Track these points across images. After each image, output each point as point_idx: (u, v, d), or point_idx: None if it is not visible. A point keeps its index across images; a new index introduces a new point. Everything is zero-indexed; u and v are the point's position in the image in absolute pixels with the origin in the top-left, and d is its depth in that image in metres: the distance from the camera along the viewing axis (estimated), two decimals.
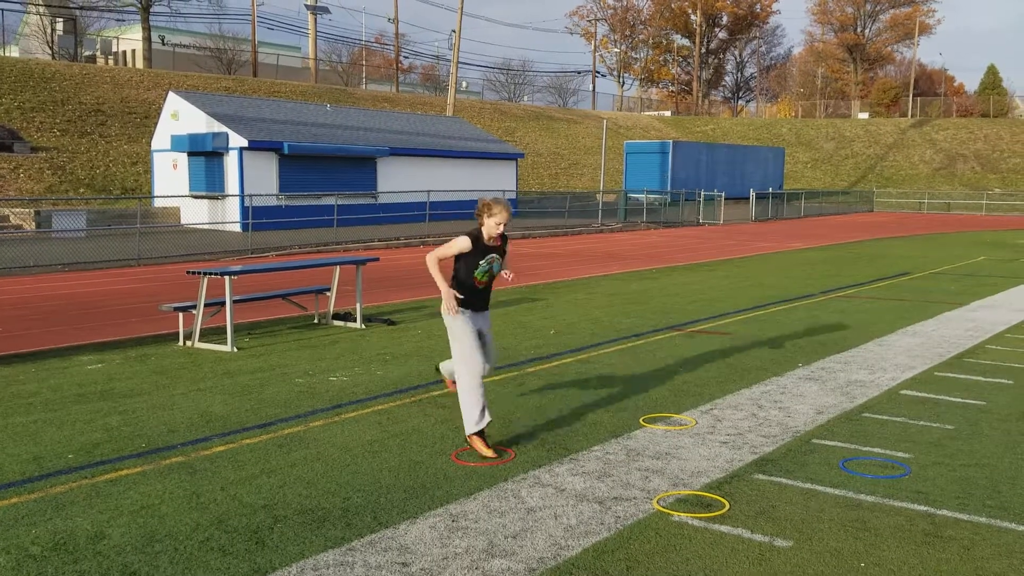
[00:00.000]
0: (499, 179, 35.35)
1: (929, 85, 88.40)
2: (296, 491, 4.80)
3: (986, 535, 4.28)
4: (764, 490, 4.89)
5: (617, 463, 5.33)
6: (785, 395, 7.09)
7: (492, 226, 5.54)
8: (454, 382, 5.93)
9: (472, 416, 5.46)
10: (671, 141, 46.59)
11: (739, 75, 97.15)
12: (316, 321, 10.52)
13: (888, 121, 70.78)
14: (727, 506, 4.62)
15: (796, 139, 67.26)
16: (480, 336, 5.69)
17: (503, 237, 5.69)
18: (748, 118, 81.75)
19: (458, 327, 5.57)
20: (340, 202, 25.22)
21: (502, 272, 5.76)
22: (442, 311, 5.64)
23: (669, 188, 42.35)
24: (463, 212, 30.70)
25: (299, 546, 4.08)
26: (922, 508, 4.63)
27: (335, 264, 10.75)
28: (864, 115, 75.46)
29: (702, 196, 37.62)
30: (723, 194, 37.68)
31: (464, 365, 5.51)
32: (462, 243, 5.55)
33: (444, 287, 5.55)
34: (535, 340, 9.53)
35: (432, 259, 5.58)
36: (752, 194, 39.99)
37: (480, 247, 5.57)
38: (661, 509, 4.57)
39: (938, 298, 13.28)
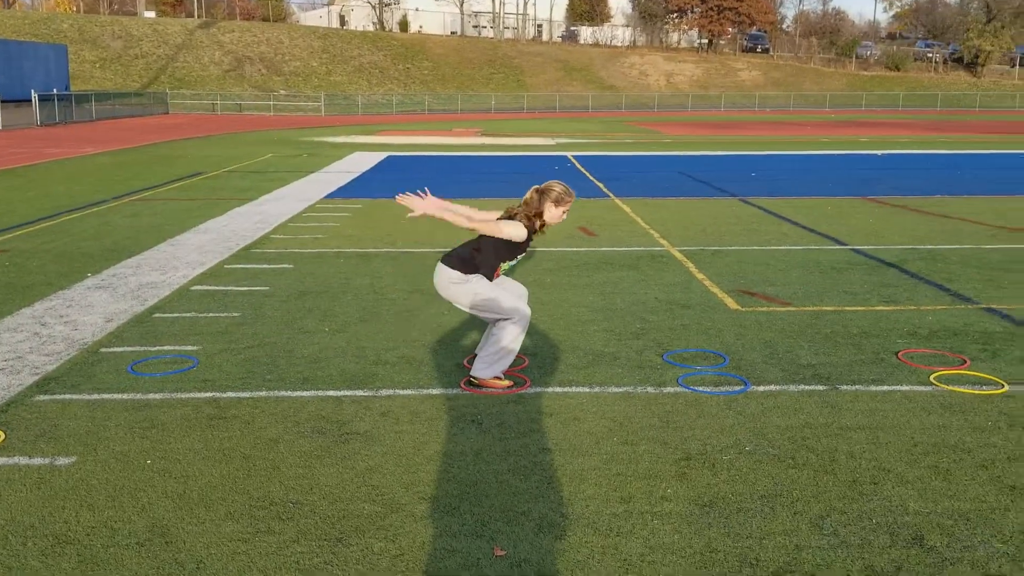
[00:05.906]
0: None
1: None
2: None
3: (265, 407, 4.68)
4: (46, 411, 4.57)
5: None
6: (72, 308, 6.68)
7: (557, 216, 4.87)
8: (498, 378, 4.97)
9: (504, 364, 4.93)
10: None
11: None
12: None
13: (175, 21, 70.28)
14: (2, 437, 4.19)
15: (80, 36, 62.46)
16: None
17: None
18: (23, 12, 72.95)
19: (485, 290, 4.83)
20: None
21: None
22: (466, 291, 4.81)
23: None
24: None
25: None
26: (208, 395, 4.85)
27: None
28: (151, 14, 73.58)
29: None
30: (0, 97, 33.23)
31: (518, 320, 4.87)
32: (518, 233, 4.77)
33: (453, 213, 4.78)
34: None
35: (488, 228, 4.76)
36: (35, 96, 36.11)
37: (528, 240, 4.87)
38: None
39: (229, 195, 13.89)
